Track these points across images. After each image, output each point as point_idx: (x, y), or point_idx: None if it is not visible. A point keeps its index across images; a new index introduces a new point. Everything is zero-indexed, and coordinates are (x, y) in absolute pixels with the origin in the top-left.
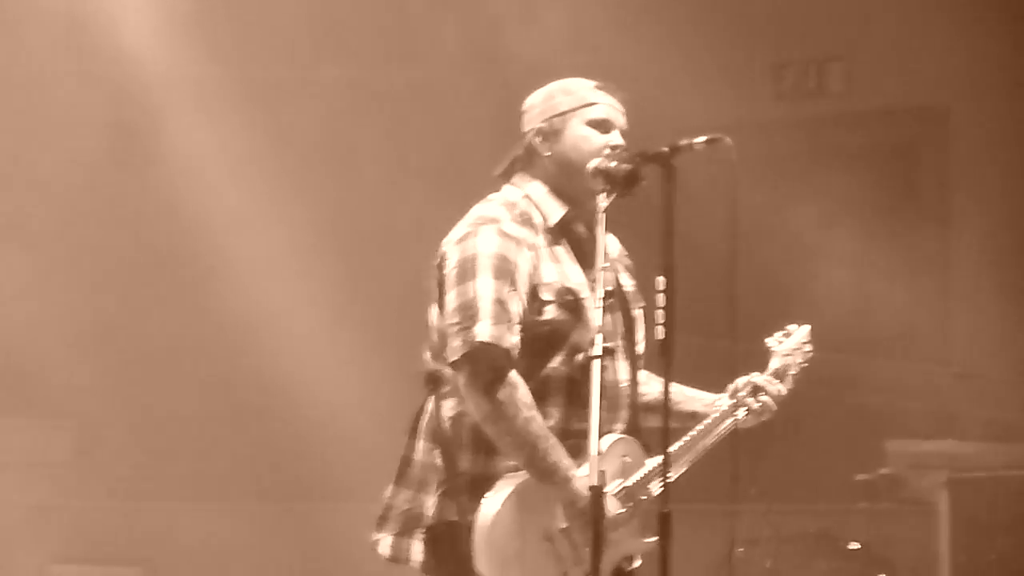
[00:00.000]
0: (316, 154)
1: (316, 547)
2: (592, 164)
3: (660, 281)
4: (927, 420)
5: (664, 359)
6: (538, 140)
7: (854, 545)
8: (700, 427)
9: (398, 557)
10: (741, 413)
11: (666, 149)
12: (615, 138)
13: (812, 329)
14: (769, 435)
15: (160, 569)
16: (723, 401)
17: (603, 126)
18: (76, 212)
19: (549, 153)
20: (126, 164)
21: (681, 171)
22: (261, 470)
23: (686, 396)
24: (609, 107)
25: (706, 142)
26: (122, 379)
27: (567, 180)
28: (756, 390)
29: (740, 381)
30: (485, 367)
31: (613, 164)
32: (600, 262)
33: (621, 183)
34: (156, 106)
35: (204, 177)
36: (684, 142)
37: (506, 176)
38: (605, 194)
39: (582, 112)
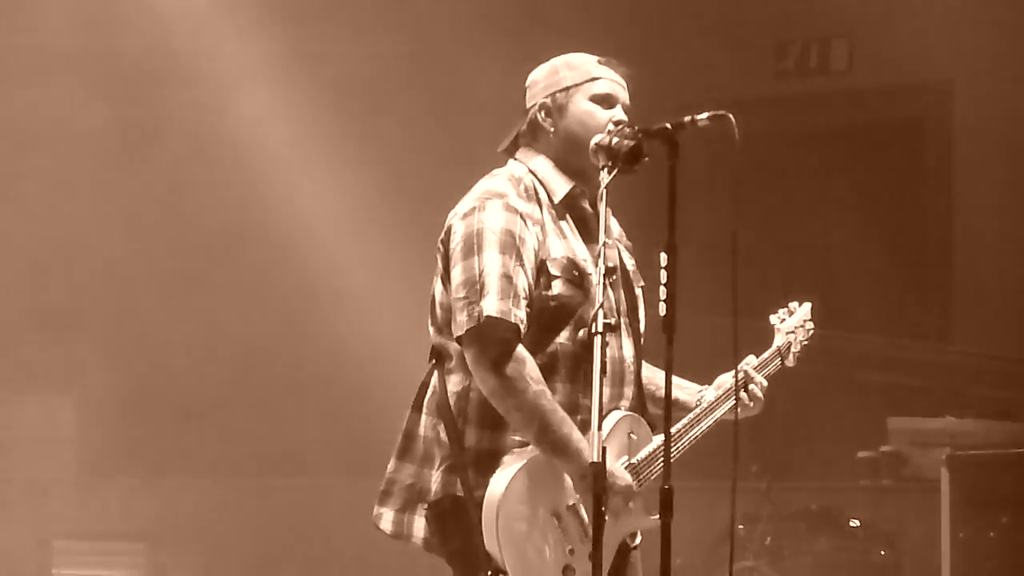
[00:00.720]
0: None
1: (321, 523)
2: (595, 140)
3: (663, 257)
4: (928, 398)
5: (666, 335)
6: (542, 115)
7: (855, 522)
8: (686, 420)
9: (400, 533)
10: (725, 407)
11: (669, 126)
12: (619, 113)
13: (813, 306)
14: (770, 412)
15: (164, 545)
16: (709, 394)
17: (607, 101)
18: (78, 185)
19: (553, 129)
20: (130, 134)
21: (684, 148)
22: (266, 445)
23: (673, 384)
24: (612, 82)
25: (709, 119)
26: (124, 354)
27: (572, 155)
28: (744, 384)
29: (726, 376)
30: (492, 342)
31: (616, 140)
32: (602, 238)
33: (624, 159)
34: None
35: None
36: (687, 119)
37: (511, 151)
38: (607, 170)
39: (586, 87)
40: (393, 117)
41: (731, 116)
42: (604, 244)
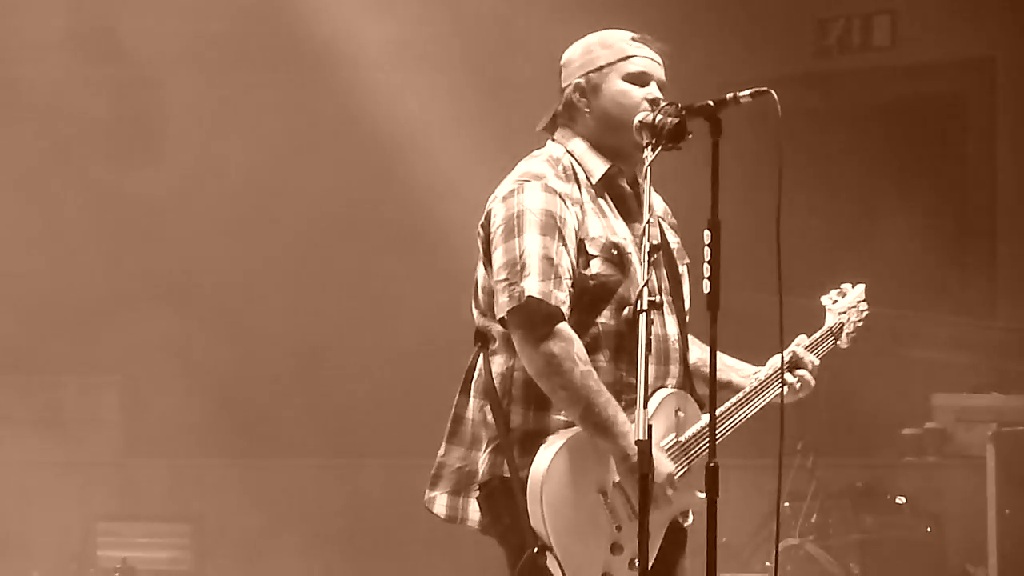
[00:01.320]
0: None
1: (365, 503)
2: (638, 118)
3: (706, 235)
4: (973, 374)
5: (710, 312)
6: (577, 96)
7: (900, 499)
8: (735, 399)
9: (454, 516)
10: (775, 389)
11: (711, 103)
12: (654, 91)
13: (858, 282)
14: (815, 390)
15: (208, 527)
16: (762, 374)
17: (641, 79)
18: (109, 167)
19: (589, 109)
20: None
21: (727, 124)
22: (311, 427)
23: (724, 364)
24: (646, 59)
25: (751, 95)
26: (170, 336)
27: (608, 135)
28: (794, 365)
29: (777, 359)
30: (538, 321)
31: (659, 118)
32: (646, 216)
33: (667, 137)
34: None
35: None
36: (729, 95)
37: (549, 131)
38: (651, 148)
39: (620, 66)
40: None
41: (774, 93)
42: (648, 222)
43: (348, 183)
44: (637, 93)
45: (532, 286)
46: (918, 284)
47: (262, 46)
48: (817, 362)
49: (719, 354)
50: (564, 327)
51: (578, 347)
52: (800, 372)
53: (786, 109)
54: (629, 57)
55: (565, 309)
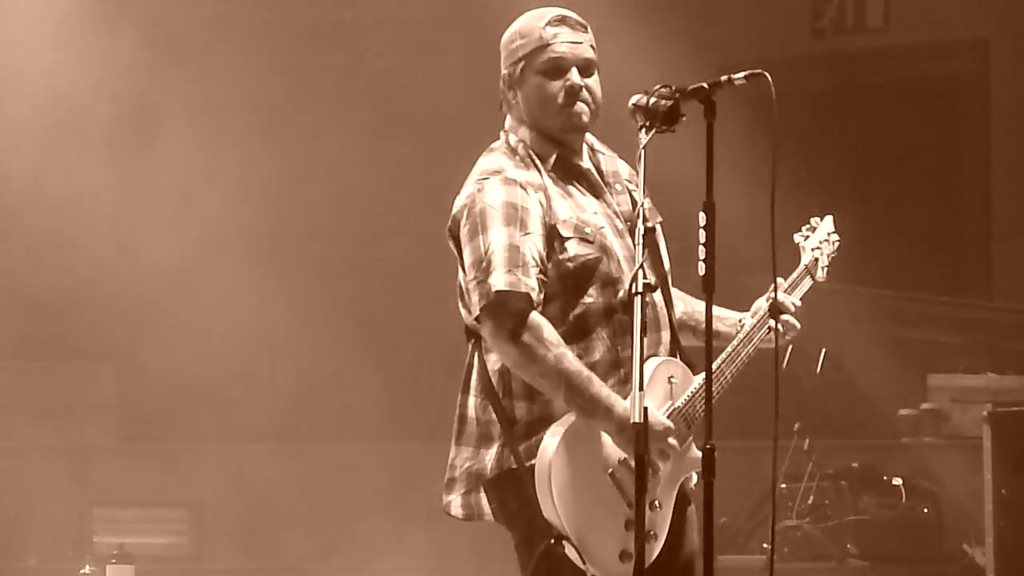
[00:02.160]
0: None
1: (360, 486)
2: (632, 101)
3: (701, 217)
4: (969, 354)
5: (706, 294)
6: (504, 88)
7: (897, 480)
8: (726, 352)
9: (470, 515)
10: (762, 336)
11: (705, 85)
12: (573, 76)
13: (854, 264)
14: (811, 370)
15: (204, 511)
16: (747, 321)
17: (557, 69)
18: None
19: (515, 101)
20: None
21: (720, 107)
22: (304, 410)
23: (713, 315)
24: (563, 44)
25: (746, 77)
26: (162, 319)
27: (540, 123)
28: (776, 311)
29: (762, 301)
30: (505, 314)
31: (653, 100)
32: (640, 199)
33: (661, 119)
34: None
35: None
36: (724, 78)
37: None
38: (644, 130)
39: (534, 57)
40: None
41: (768, 75)
42: (642, 205)
43: (349, 169)
44: (553, 86)
45: (498, 280)
46: (913, 265)
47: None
48: (799, 303)
49: (701, 304)
50: (533, 315)
51: (548, 332)
52: (784, 317)
53: (780, 91)
54: (544, 46)
55: (535, 296)
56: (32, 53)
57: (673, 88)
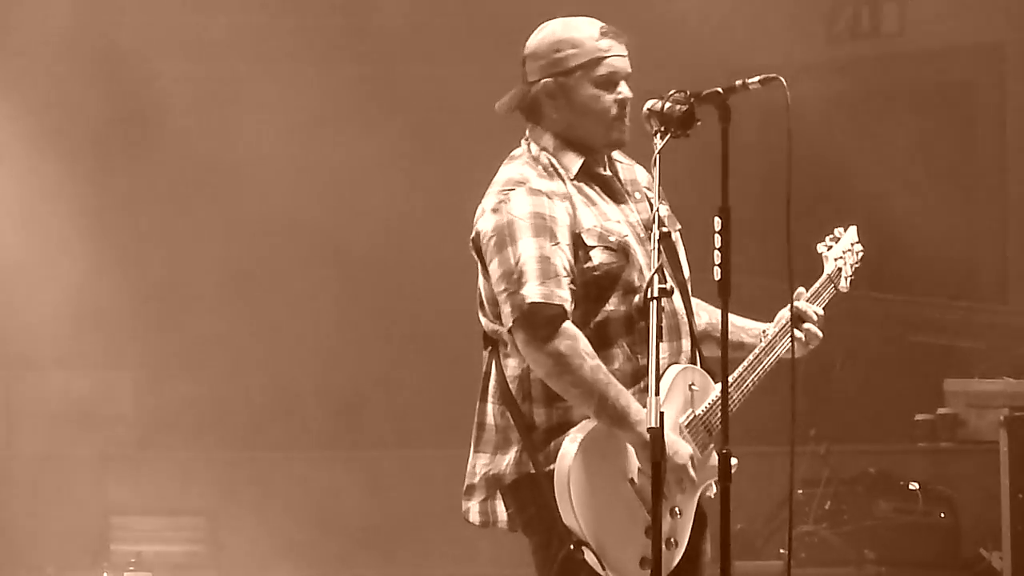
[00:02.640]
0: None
1: (377, 494)
2: (647, 106)
3: (716, 222)
4: (985, 359)
5: (721, 299)
6: (545, 97)
7: (914, 485)
8: (748, 360)
9: (486, 521)
10: (784, 345)
11: (720, 89)
12: (624, 91)
13: (869, 269)
14: (828, 376)
15: (222, 519)
16: (770, 331)
17: (611, 81)
18: (116, 161)
19: (557, 113)
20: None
21: (735, 112)
22: (323, 419)
23: (735, 326)
24: (616, 57)
25: (760, 82)
26: (181, 328)
27: (577, 131)
28: (799, 319)
29: (785, 311)
30: (540, 324)
31: (668, 105)
32: (655, 205)
33: (675, 124)
34: None
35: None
36: (738, 82)
37: (524, 117)
38: (659, 135)
39: (589, 69)
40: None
41: (782, 79)
42: (656, 211)
43: (366, 172)
44: (608, 98)
45: (532, 292)
46: (929, 270)
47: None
48: (821, 312)
49: (730, 316)
50: (568, 325)
51: (583, 342)
52: (807, 326)
53: (795, 96)
54: (599, 59)
55: (568, 307)
56: None
57: (688, 93)
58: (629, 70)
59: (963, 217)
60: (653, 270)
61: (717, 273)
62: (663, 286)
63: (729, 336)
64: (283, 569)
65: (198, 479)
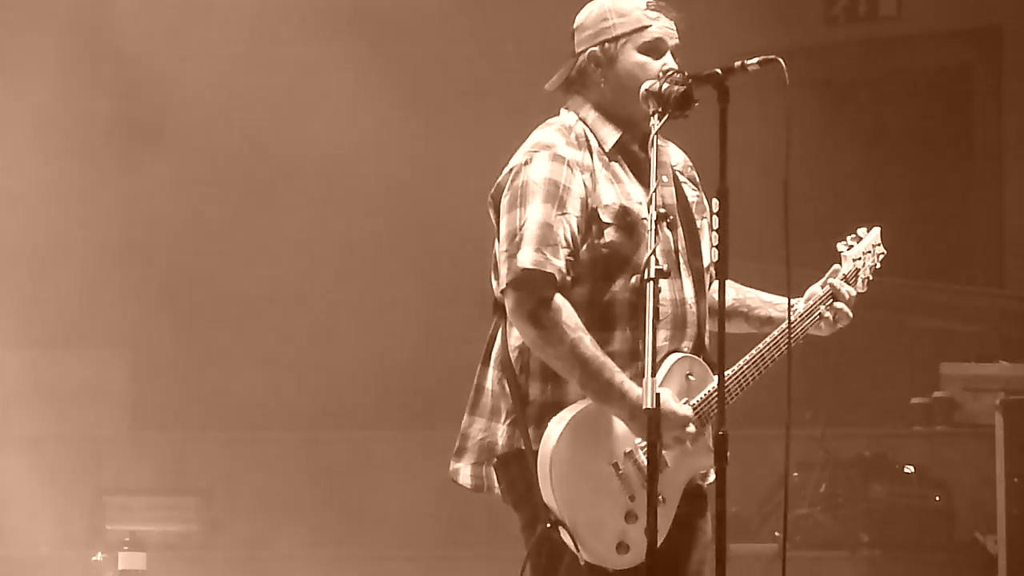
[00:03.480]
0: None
1: (370, 475)
2: (645, 86)
3: (714, 203)
4: (981, 343)
5: (719, 280)
6: (592, 66)
7: (909, 469)
8: (772, 336)
9: (480, 485)
10: (812, 319)
11: (719, 71)
12: (669, 61)
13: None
14: (824, 359)
15: (217, 499)
16: (800, 306)
17: (657, 50)
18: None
19: (603, 80)
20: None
21: (734, 93)
22: (320, 399)
23: (762, 301)
24: (662, 27)
25: (759, 63)
26: (177, 308)
27: (621, 104)
28: (832, 296)
29: (816, 288)
30: (528, 293)
31: (666, 86)
32: (653, 184)
33: (674, 105)
34: None
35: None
36: (737, 64)
37: (564, 90)
38: (657, 116)
39: (636, 37)
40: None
41: (782, 61)
42: (654, 190)
43: (359, 153)
44: (654, 65)
45: (526, 257)
46: (926, 253)
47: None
48: (855, 292)
49: (757, 292)
50: (556, 297)
51: (567, 314)
52: (838, 304)
53: (793, 78)
54: (645, 27)
55: (560, 277)
56: None
57: (686, 74)
58: (677, 41)
59: (960, 200)
60: (649, 252)
61: (715, 254)
62: (660, 267)
63: (759, 311)
64: (278, 549)
65: (193, 459)
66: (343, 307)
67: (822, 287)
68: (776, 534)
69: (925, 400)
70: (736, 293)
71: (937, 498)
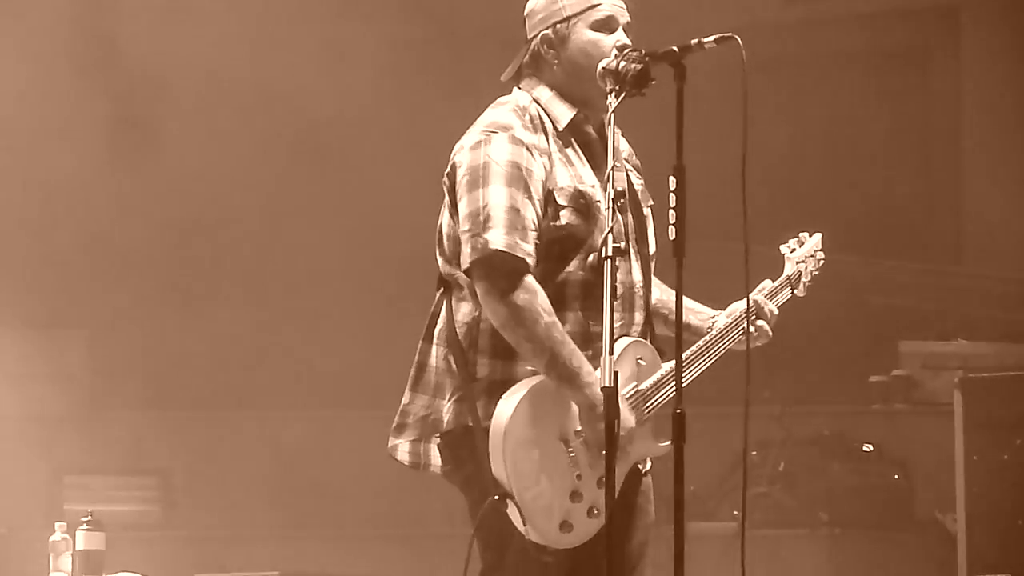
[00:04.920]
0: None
1: (331, 454)
2: (602, 64)
3: (671, 181)
4: (940, 321)
5: (676, 258)
6: (545, 48)
7: (868, 447)
8: (695, 348)
9: (417, 463)
10: (734, 336)
11: (676, 48)
12: (621, 37)
13: (825, 231)
14: (782, 337)
15: (176, 479)
16: (720, 321)
17: (608, 26)
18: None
19: (557, 61)
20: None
21: (690, 70)
22: (277, 377)
23: (686, 307)
24: (612, 4)
25: (716, 41)
26: (135, 288)
27: (576, 84)
28: (755, 314)
29: (738, 304)
30: (502, 274)
31: (623, 64)
32: (611, 162)
33: (631, 83)
34: None
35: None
36: (694, 41)
37: (515, 81)
38: (614, 94)
39: (586, 15)
40: (395, 50)
41: (738, 39)
42: (612, 167)
43: (318, 136)
44: (606, 41)
45: (497, 238)
46: (884, 231)
47: None
48: (777, 311)
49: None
50: (529, 279)
51: (542, 298)
52: (760, 322)
53: (750, 56)
54: (595, 5)
55: (530, 261)
56: None
57: (643, 52)
58: (628, 18)
59: (918, 178)
60: (607, 230)
61: (672, 232)
62: (618, 245)
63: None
64: (236, 528)
65: (151, 438)
66: (303, 286)
67: (745, 305)
68: (735, 513)
69: (884, 378)
70: (661, 294)
71: (896, 476)
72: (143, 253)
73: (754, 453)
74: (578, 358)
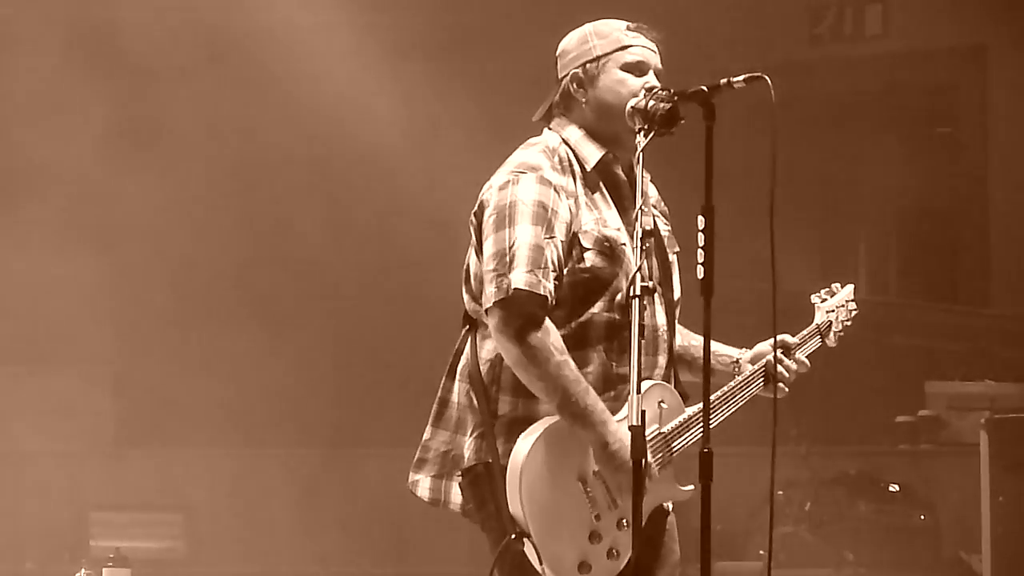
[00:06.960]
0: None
1: (356, 492)
2: (630, 104)
3: (700, 220)
4: (966, 361)
5: (704, 298)
6: (574, 87)
7: (894, 487)
8: (722, 391)
9: (437, 499)
10: (756, 388)
11: (705, 88)
12: (651, 79)
13: (849, 273)
14: (809, 377)
15: (201, 515)
16: (745, 366)
17: (638, 68)
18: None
19: (586, 100)
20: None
21: (720, 111)
22: (303, 415)
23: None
24: (643, 48)
25: (745, 81)
26: (160, 326)
27: (605, 124)
28: (780, 361)
29: (764, 346)
30: (518, 312)
31: (651, 103)
32: (638, 201)
33: (659, 122)
34: None
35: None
36: (723, 81)
37: (545, 121)
38: (643, 133)
39: (617, 56)
40: (431, 87)
41: (768, 78)
42: (640, 208)
43: (336, 179)
44: (635, 82)
45: (519, 278)
46: (911, 272)
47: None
48: (795, 366)
49: (699, 339)
50: (544, 318)
51: (555, 337)
52: (780, 372)
53: (779, 96)
54: (626, 47)
55: (550, 299)
56: None
57: (672, 91)
58: (659, 64)
59: (945, 220)
60: (635, 268)
61: (700, 272)
62: (646, 284)
63: (700, 361)
64: (261, 565)
65: (177, 475)
66: (331, 326)
67: (773, 352)
68: (761, 552)
69: (910, 418)
70: (683, 339)
71: (922, 516)
72: (171, 292)
73: (781, 492)
74: (591, 397)
